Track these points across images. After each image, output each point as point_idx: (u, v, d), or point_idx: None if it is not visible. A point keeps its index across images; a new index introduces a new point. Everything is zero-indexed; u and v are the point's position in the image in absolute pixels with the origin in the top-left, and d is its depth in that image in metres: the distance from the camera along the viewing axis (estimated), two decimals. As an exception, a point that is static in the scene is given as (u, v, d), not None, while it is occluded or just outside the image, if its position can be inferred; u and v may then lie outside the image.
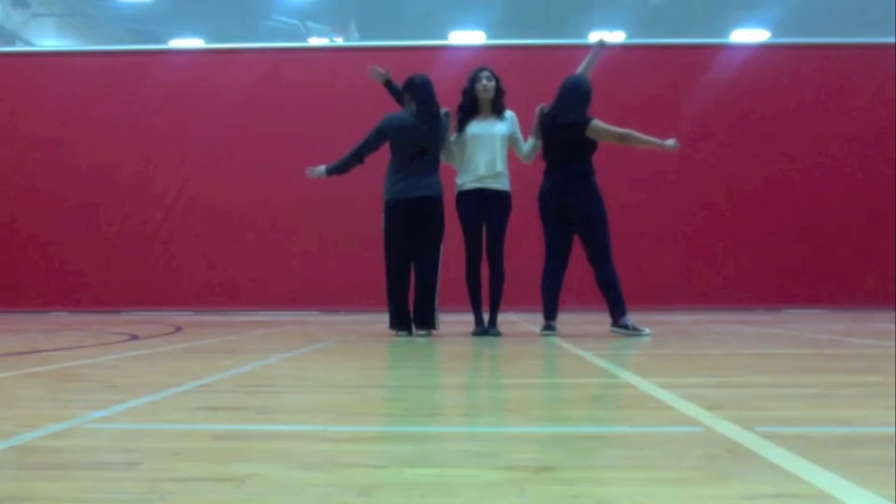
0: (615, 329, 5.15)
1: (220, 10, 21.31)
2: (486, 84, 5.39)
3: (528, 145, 5.48)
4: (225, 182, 10.80)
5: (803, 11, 19.58)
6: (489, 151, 5.35)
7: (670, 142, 5.16)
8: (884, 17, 16.11)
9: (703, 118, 10.68)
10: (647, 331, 5.15)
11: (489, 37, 21.13)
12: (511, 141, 5.49)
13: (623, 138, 5.23)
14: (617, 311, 5.15)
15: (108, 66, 11.33)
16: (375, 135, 5.46)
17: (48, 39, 21.62)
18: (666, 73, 10.76)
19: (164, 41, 20.46)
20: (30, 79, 11.22)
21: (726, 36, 20.01)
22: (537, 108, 5.42)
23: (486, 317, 5.48)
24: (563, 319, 5.36)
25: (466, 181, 5.41)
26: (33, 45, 20.40)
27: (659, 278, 10.32)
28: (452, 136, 5.46)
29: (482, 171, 5.35)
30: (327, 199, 10.56)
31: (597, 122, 5.19)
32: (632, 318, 5.16)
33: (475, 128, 5.40)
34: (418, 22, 20.08)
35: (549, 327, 5.20)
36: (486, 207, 5.39)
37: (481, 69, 5.49)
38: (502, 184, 5.41)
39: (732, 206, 10.62)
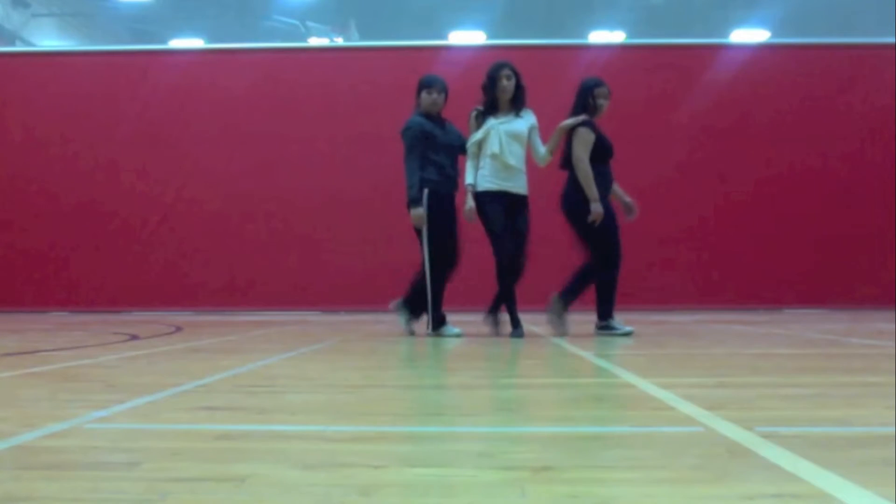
0: (598, 331, 5.22)
1: (220, 10, 21.33)
2: (505, 84, 5.23)
3: (544, 149, 5.34)
4: (225, 182, 10.80)
5: (803, 11, 19.59)
6: (513, 150, 5.20)
7: (595, 206, 5.08)
8: (884, 17, 16.12)
9: (703, 118, 10.68)
10: (627, 329, 5.16)
11: (489, 37, 21.14)
12: (529, 140, 5.32)
13: (574, 162, 5.15)
14: (601, 311, 5.22)
15: (108, 66, 11.33)
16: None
17: (48, 39, 21.63)
18: (666, 73, 10.76)
19: (164, 41, 20.46)
20: (30, 79, 11.22)
21: (726, 36, 20.02)
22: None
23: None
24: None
25: (487, 181, 5.24)
26: (33, 45, 20.41)
27: (659, 278, 10.33)
28: (479, 135, 5.26)
29: (501, 170, 5.21)
30: (327, 199, 10.58)
31: (577, 132, 5.15)
32: (615, 319, 5.19)
33: (497, 125, 5.22)
34: (418, 22, 20.09)
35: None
36: (510, 212, 5.26)
37: (501, 66, 5.29)
38: (522, 186, 5.27)
39: (732, 206, 10.62)
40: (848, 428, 1.84)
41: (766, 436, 1.67)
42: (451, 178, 5.41)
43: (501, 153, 5.18)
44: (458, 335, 5.24)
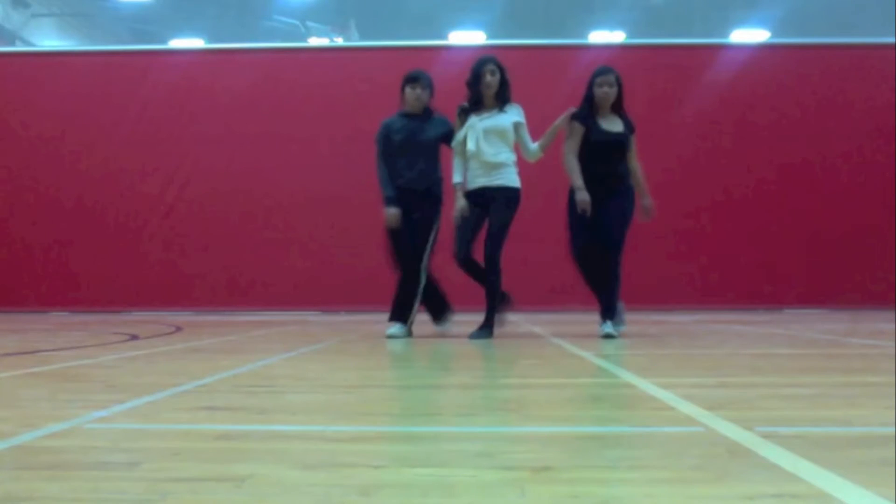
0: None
1: (220, 10, 21.34)
2: (489, 80, 5.13)
3: (534, 144, 5.23)
4: (225, 182, 10.81)
5: (803, 11, 19.61)
6: (492, 146, 5.09)
7: (580, 194, 5.03)
8: (884, 17, 16.12)
9: (703, 118, 10.69)
10: (621, 329, 5.14)
11: (489, 37, 21.16)
12: (516, 133, 5.20)
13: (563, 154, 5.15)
14: (602, 313, 5.17)
15: (108, 66, 11.33)
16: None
17: (48, 39, 21.64)
18: (666, 73, 10.76)
19: (164, 41, 20.47)
20: (30, 79, 11.22)
21: (726, 36, 20.03)
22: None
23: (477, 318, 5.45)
24: (564, 320, 5.36)
25: (470, 181, 5.17)
26: (33, 45, 20.42)
27: (659, 278, 10.32)
28: (460, 135, 5.17)
29: (480, 168, 5.11)
30: (327, 199, 10.58)
31: (570, 125, 5.11)
32: (611, 323, 5.13)
33: (477, 122, 5.13)
34: (418, 22, 20.10)
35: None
36: (487, 206, 5.13)
37: (485, 62, 5.20)
38: (507, 179, 5.14)
39: (732, 206, 10.62)
40: (848, 428, 1.84)
41: (766, 436, 1.67)
42: (408, 178, 5.30)
43: (478, 152, 5.10)
44: (404, 335, 5.25)
